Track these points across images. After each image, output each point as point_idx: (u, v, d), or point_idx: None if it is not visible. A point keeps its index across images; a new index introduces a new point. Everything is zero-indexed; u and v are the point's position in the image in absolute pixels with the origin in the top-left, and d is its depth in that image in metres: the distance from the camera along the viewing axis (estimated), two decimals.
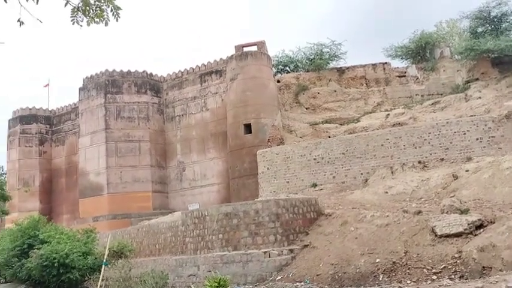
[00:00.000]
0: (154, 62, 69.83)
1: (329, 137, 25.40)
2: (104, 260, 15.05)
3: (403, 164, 20.27)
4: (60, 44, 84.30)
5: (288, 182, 22.89)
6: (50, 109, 37.67)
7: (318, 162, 22.33)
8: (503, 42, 24.47)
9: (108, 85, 30.99)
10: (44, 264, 15.84)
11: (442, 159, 19.70)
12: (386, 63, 30.37)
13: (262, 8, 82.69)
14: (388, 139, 21.06)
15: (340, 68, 30.55)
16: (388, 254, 11.64)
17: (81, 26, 5.25)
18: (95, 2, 5.17)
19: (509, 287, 7.96)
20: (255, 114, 26.31)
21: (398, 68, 30.45)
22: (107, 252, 15.38)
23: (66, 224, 28.54)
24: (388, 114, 26.53)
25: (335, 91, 29.34)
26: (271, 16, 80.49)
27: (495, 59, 25.66)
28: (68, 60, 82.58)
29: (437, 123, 20.77)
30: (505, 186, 14.81)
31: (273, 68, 30.22)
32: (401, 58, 31.45)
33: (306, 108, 29.22)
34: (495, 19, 26.81)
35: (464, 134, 19.77)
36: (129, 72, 31.62)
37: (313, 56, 30.89)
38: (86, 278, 16.55)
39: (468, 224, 11.27)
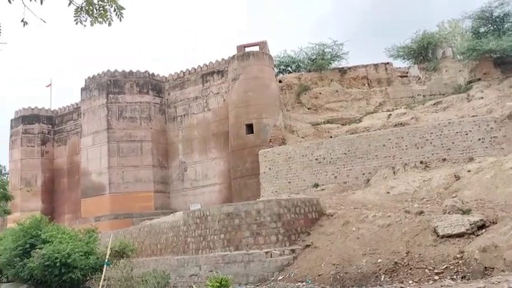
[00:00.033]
0: (152, 62, 69.64)
1: (331, 137, 25.39)
2: (106, 260, 15.08)
3: (405, 164, 20.25)
4: (58, 44, 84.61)
5: (289, 182, 22.89)
6: (52, 109, 37.76)
7: (319, 162, 22.33)
8: (505, 43, 24.45)
9: (110, 85, 31.04)
10: (46, 263, 15.83)
11: (444, 160, 19.66)
12: (388, 63, 30.31)
13: (260, 9, 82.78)
14: (390, 139, 21.04)
15: (342, 68, 30.51)
16: (390, 254, 11.64)
17: (84, 25, 5.26)
18: (98, 1, 5.17)
19: None
20: (257, 114, 26.31)
21: (400, 68, 30.38)
22: (108, 252, 15.40)
23: (68, 224, 28.59)
24: (390, 115, 26.49)
25: (337, 91, 29.31)
26: (269, 16, 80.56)
27: (497, 59, 25.65)
28: (66, 61, 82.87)
29: (439, 124, 20.74)
30: (507, 187, 14.78)
31: (275, 68, 30.21)
32: (403, 58, 31.45)
33: (308, 109, 29.20)
34: (497, 19, 26.79)
35: (466, 134, 19.74)
36: (131, 73, 31.67)
37: (315, 56, 30.85)
38: (88, 278, 16.61)
39: (470, 225, 11.27)
